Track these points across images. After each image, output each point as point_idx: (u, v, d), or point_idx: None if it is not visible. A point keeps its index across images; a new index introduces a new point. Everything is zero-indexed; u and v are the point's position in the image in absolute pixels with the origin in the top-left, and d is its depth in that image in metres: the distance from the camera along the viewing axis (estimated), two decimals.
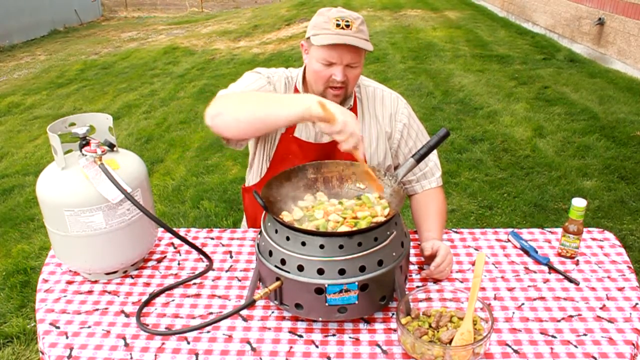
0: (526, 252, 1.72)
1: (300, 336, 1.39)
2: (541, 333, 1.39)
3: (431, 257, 1.59)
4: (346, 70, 1.64)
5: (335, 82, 1.65)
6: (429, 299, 1.48)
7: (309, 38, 1.67)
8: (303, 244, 1.33)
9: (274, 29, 11.16)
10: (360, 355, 1.32)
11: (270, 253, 1.39)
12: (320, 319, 1.39)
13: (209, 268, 1.65)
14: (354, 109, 1.80)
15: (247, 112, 1.48)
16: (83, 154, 1.48)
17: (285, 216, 1.48)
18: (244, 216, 2.10)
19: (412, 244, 1.73)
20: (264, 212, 1.49)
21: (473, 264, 1.67)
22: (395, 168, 1.90)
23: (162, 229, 1.75)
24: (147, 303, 1.52)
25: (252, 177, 1.96)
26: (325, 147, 1.79)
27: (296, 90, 1.78)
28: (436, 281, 1.60)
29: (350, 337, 1.38)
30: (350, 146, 1.38)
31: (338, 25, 1.59)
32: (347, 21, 1.60)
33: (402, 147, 1.86)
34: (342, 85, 1.66)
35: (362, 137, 1.40)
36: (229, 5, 17.12)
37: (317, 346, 1.36)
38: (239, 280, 1.62)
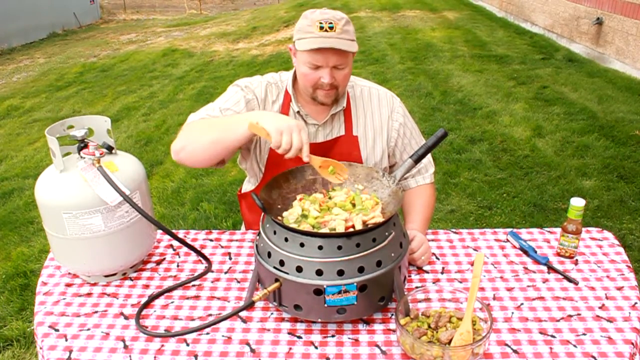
0: (525, 252, 1.72)
1: (300, 337, 1.39)
2: (540, 333, 1.39)
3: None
4: (334, 72, 1.65)
5: (324, 84, 1.65)
6: (428, 300, 1.48)
7: (295, 42, 1.67)
8: (302, 245, 1.33)
9: (273, 31, 11.17)
10: (359, 356, 1.32)
11: (269, 254, 1.39)
12: (319, 320, 1.39)
13: (208, 270, 1.65)
14: (347, 109, 1.80)
15: (207, 139, 1.59)
16: (81, 157, 1.49)
17: (287, 215, 1.50)
18: (243, 223, 2.10)
19: None
20: (263, 213, 1.49)
21: (472, 264, 1.67)
22: (391, 167, 1.91)
23: (161, 231, 1.75)
24: (146, 305, 1.52)
25: (249, 184, 1.97)
26: (320, 146, 1.79)
27: (287, 94, 1.78)
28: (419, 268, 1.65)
29: (349, 338, 1.38)
30: (292, 155, 1.44)
31: (321, 28, 1.58)
32: (331, 23, 1.59)
33: (398, 146, 1.87)
34: (332, 87, 1.67)
35: (306, 141, 1.45)
36: (228, 7, 17.14)
37: (316, 347, 1.36)
38: (238, 282, 1.62)
